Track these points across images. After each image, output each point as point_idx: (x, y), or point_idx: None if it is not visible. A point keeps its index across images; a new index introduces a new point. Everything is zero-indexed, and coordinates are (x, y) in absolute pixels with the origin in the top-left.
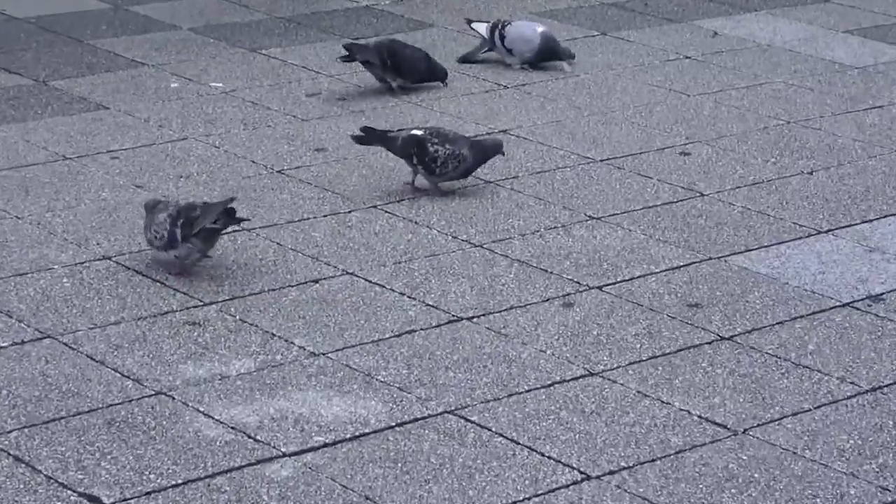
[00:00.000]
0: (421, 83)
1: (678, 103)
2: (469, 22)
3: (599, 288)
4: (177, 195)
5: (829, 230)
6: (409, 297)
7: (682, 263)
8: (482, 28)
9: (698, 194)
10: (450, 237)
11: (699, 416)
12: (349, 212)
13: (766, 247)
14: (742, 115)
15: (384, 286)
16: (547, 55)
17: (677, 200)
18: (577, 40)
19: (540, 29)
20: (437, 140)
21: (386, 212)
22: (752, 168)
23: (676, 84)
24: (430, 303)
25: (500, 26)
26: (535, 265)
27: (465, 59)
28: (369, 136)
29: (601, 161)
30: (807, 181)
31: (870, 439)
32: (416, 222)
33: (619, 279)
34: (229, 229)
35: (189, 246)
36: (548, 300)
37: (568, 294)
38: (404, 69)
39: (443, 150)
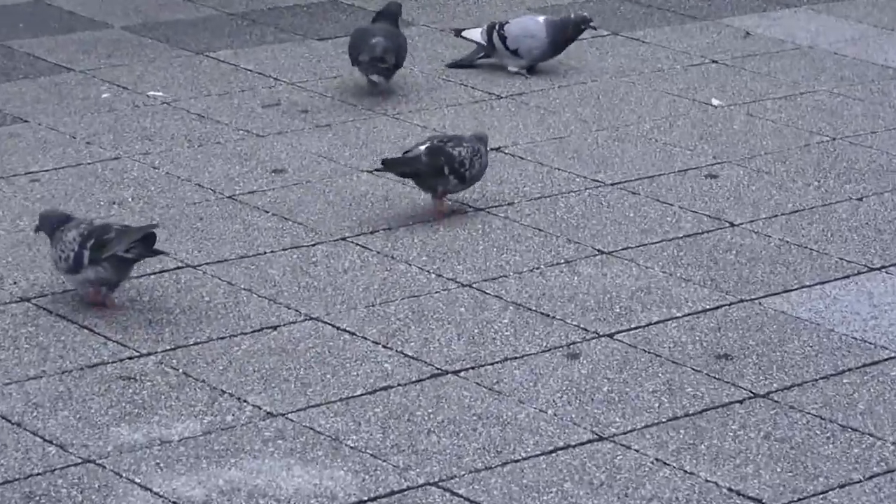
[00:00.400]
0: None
1: (703, 116)
2: (458, 32)
3: (610, 336)
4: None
5: (883, 267)
6: (384, 346)
7: (708, 307)
8: (476, 35)
9: (727, 224)
10: (433, 275)
11: (728, 489)
12: (313, 245)
13: (807, 287)
14: (779, 131)
15: (355, 334)
16: (560, 46)
17: (703, 232)
18: (584, 41)
19: (542, 19)
20: (451, 143)
21: (357, 245)
22: (791, 193)
23: (701, 93)
24: (410, 353)
25: (497, 27)
26: (533, 309)
27: (457, 65)
28: (392, 165)
29: (612, 185)
30: (856, 209)
31: None
32: (392, 257)
33: (633, 325)
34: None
35: (99, 269)
36: (549, 350)
37: (573, 343)
38: (403, 61)
39: (464, 150)
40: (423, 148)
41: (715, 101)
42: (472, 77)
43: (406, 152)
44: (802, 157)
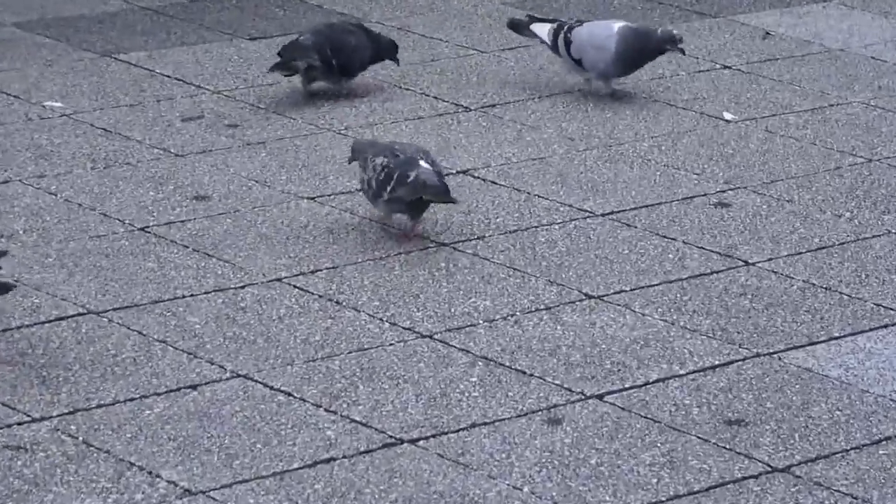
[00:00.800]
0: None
1: (713, 133)
2: (530, 21)
3: (599, 397)
4: None
5: None
6: (326, 409)
7: (718, 362)
8: (544, 32)
9: (741, 263)
10: (386, 323)
11: None
12: (242, 287)
13: (836, 338)
14: (804, 150)
15: (291, 395)
16: (631, 64)
17: (712, 272)
18: None
19: (617, 26)
20: (429, 156)
21: (295, 287)
22: (819, 225)
23: (711, 105)
24: (358, 418)
25: (566, 29)
26: (507, 364)
27: (514, 25)
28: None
29: (602, 215)
30: (895, 245)
31: None
32: (337, 302)
33: (627, 385)
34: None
35: None
36: (526, 415)
37: (555, 406)
38: (354, 65)
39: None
40: (430, 168)
41: (727, 115)
42: (435, 85)
43: (432, 177)
44: (832, 182)
